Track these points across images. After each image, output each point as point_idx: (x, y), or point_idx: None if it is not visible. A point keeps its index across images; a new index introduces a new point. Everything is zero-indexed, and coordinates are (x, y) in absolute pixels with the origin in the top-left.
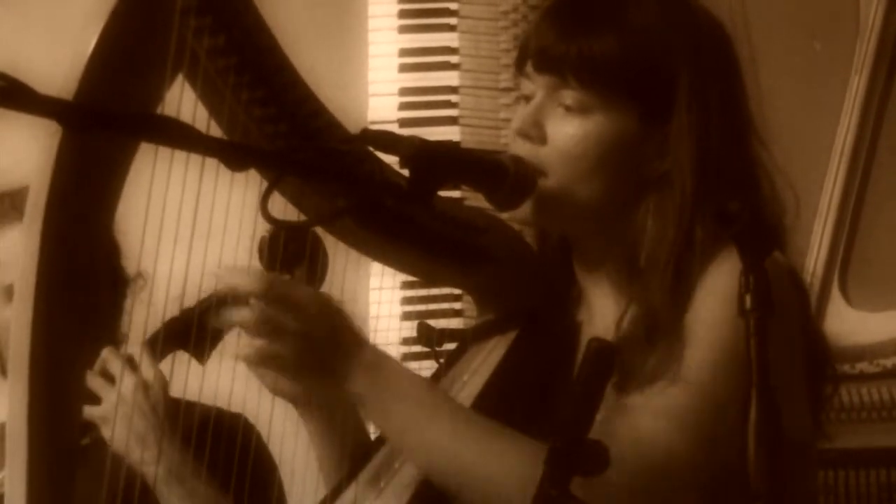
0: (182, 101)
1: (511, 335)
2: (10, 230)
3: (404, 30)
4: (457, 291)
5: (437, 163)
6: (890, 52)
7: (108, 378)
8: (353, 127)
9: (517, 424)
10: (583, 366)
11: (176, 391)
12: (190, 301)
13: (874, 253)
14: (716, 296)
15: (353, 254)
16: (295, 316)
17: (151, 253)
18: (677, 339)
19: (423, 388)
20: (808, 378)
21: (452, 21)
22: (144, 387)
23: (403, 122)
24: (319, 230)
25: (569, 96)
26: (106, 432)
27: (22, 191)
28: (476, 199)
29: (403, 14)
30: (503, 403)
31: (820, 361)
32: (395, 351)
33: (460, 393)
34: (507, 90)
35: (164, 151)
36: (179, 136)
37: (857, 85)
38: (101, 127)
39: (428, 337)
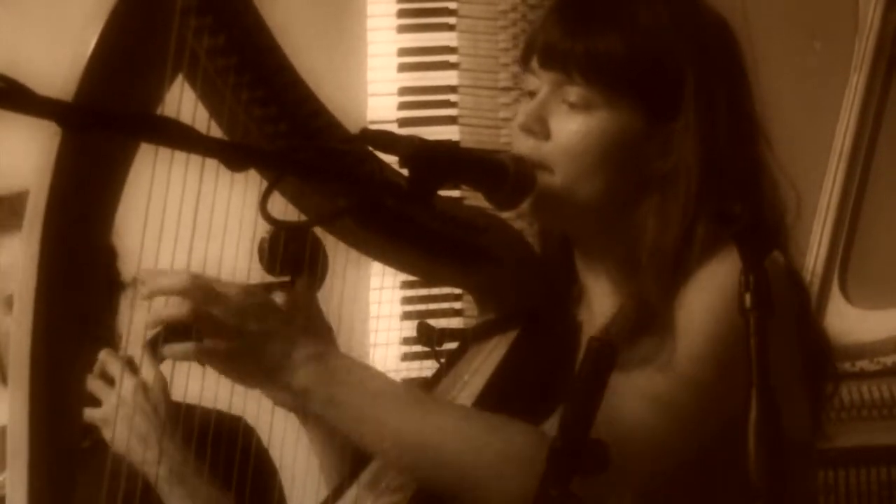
0: (182, 102)
1: (512, 335)
2: (10, 239)
3: (403, 29)
4: (457, 291)
5: (436, 162)
6: (889, 51)
7: (108, 380)
8: (353, 127)
9: None
10: (583, 365)
11: (176, 395)
12: None
13: (874, 251)
14: (711, 291)
15: (353, 254)
16: (224, 309)
17: (151, 253)
18: (668, 332)
19: (371, 375)
20: (809, 377)
21: (451, 20)
22: (144, 388)
23: (403, 122)
24: (319, 230)
25: (573, 93)
26: (107, 434)
27: (21, 195)
28: (476, 199)
29: (402, 13)
30: (504, 403)
31: (820, 360)
32: (395, 351)
33: (461, 393)
34: (506, 89)
35: (164, 152)
36: (179, 137)
37: (856, 84)
38: (101, 128)
39: (428, 337)
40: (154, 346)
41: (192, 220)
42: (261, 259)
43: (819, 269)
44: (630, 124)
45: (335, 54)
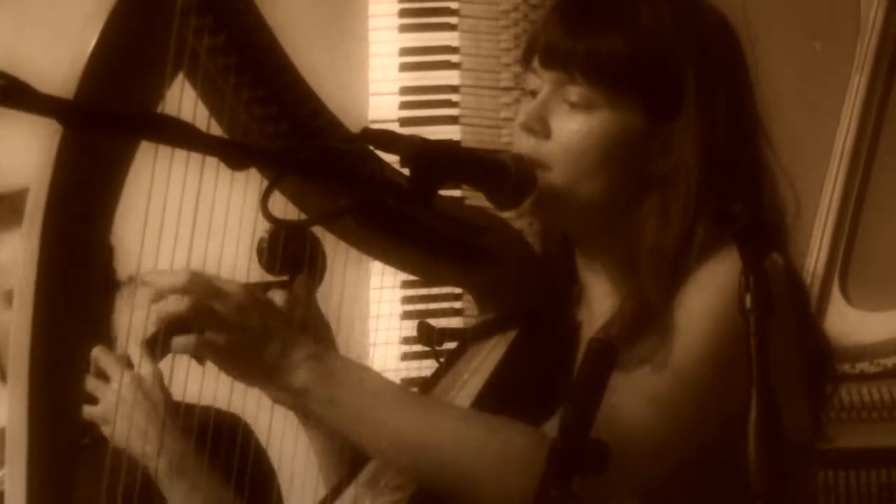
0: (183, 101)
1: (511, 334)
2: (10, 236)
3: (405, 29)
4: (457, 290)
5: (437, 162)
6: (890, 51)
7: (103, 377)
8: (354, 126)
9: None
10: (583, 365)
11: (176, 394)
12: None
13: (874, 252)
14: (711, 291)
15: (354, 253)
16: (224, 303)
17: (151, 252)
18: (668, 332)
19: (370, 376)
20: (809, 378)
21: (453, 20)
22: (140, 382)
23: (404, 122)
24: (320, 230)
25: (574, 93)
26: (106, 430)
27: (21, 193)
28: (477, 199)
29: (404, 13)
30: (503, 403)
31: (820, 361)
32: (395, 351)
33: (460, 392)
34: (507, 89)
35: (164, 150)
36: (180, 135)
37: (857, 85)
38: (102, 126)
39: (428, 336)
40: (153, 344)
41: (192, 219)
42: (259, 258)
43: (819, 270)
44: (631, 124)
45: (336, 54)
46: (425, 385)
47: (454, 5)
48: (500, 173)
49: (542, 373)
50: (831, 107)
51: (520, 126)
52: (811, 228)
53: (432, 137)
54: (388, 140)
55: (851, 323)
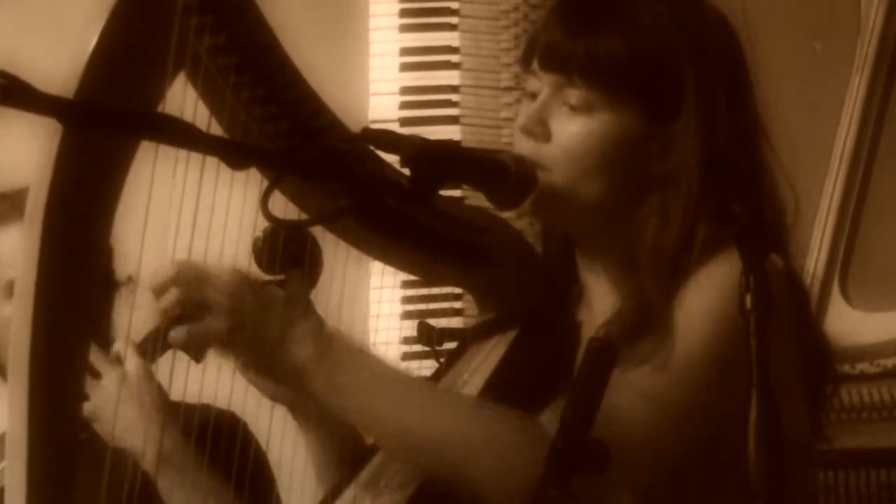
0: (183, 100)
1: (512, 334)
2: (10, 228)
3: (405, 29)
4: (457, 290)
5: (437, 162)
6: (891, 52)
7: (94, 374)
8: (354, 126)
9: None
10: (583, 365)
11: (176, 394)
12: None
13: (874, 253)
14: (710, 291)
15: (354, 253)
16: (215, 289)
17: (152, 252)
18: (667, 331)
19: (371, 357)
20: (809, 378)
21: (453, 20)
22: (126, 377)
23: (404, 121)
24: (320, 229)
25: (574, 95)
26: (97, 426)
27: (22, 192)
28: (477, 199)
29: (404, 13)
30: (504, 403)
31: (820, 361)
32: (395, 350)
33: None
34: (508, 89)
35: (164, 150)
36: (180, 135)
37: (857, 85)
38: (102, 125)
39: (428, 336)
40: (148, 343)
41: (192, 219)
42: (255, 258)
43: (820, 270)
44: (631, 125)
45: (337, 53)
46: None
47: (454, 5)
48: (500, 173)
49: (542, 373)
50: (831, 107)
51: (520, 129)
52: (811, 228)
53: (432, 137)
54: (388, 140)
55: (851, 323)
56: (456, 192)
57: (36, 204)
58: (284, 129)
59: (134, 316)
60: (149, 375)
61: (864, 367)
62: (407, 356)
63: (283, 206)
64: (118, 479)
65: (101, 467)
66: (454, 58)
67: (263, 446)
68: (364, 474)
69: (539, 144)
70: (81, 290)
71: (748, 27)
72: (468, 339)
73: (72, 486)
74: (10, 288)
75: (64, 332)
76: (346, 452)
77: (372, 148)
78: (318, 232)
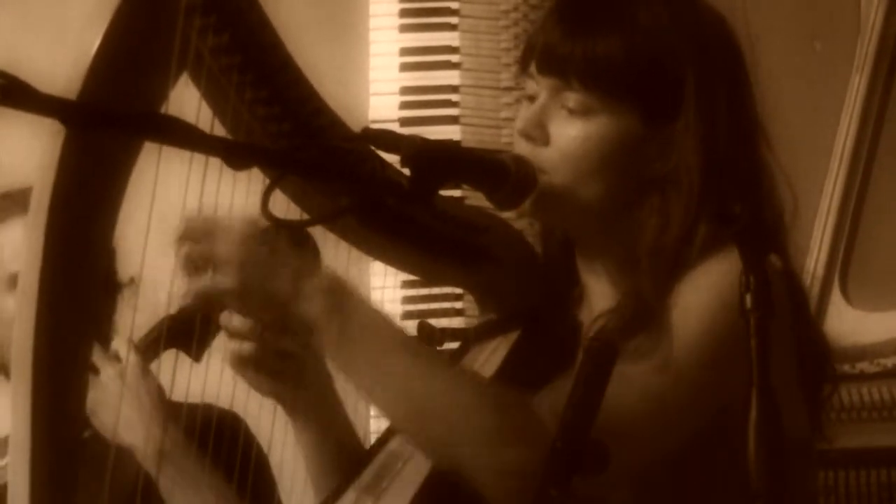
0: (187, 101)
1: (513, 335)
2: (12, 223)
3: (405, 29)
4: (458, 291)
5: (438, 162)
6: (891, 51)
7: (94, 371)
8: (355, 126)
9: None
10: (583, 365)
11: (177, 394)
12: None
13: (874, 253)
14: (707, 289)
15: (354, 253)
16: (225, 241)
17: (154, 252)
18: (664, 330)
19: (382, 316)
20: (808, 378)
21: (453, 20)
22: (123, 374)
23: (404, 121)
24: (320, 229)
25: (572, 99)
26: (95, 422)
27: (25, 190)
28: (477, 199)
29: (404, 13)
30: None
31: (819, 361)
32: None
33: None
34: (508, 89)
35: (167, 150)
36: (182, 135)
37: (857, 85)
38: (105, 126)
39: (429, 336)
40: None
41: None
42: None
43: (819, 270)
44: (630, 128)
45: (337, 53)
46: None
47: (454, 5)
48: (500, 173)
49: (543, 373)
50: (831, 107)
51: (518, 133)
52: (811, 228)
53: (432, 137)
54: (388, 140)
55: (851, 323)
56: (456, 192)
57: (39, 204)
58: (287, 128)
59: (136, 317)
60: (146, 373)
61: (863, 366)
62: None
63: (283, 207)
64: (121, 478)
65: (103, 466)
66: (454, 58)
67: (265, 447)
68: (367, 474)
69: (538, 148)
70: (84, 291)
71: (748, 27)
72: (470, 339)
73: (75, 485)
74: (12, 281)
75: (66, 332)
76: (342, 458)
77: (372, 148)
78: (319, 232)
